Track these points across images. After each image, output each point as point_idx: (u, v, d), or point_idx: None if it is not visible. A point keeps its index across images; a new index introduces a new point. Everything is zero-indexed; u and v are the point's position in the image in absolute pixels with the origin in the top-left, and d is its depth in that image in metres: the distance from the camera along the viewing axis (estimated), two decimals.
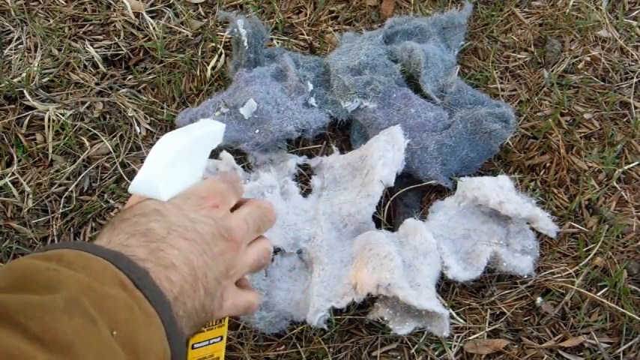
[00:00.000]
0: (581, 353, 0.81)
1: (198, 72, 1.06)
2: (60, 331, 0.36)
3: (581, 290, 0.84)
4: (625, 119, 1.01)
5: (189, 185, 0.53)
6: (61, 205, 0.93)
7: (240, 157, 0.95)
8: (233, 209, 0.54)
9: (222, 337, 0.59)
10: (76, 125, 1.00)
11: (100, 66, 1.08)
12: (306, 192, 0.94)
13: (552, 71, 1.07)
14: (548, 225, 0.86)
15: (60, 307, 0.37)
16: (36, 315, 0.36)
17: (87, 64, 1.08)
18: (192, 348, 0.56)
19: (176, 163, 0.52)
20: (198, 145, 0.56)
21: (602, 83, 1.05)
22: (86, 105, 1.03)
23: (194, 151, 0.55)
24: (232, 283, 0.52)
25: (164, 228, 0.47)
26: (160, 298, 0.43)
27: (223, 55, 1.08)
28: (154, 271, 0.44)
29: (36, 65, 1.07)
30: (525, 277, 0.85)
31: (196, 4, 1.17)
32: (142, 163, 0.52)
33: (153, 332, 0.42)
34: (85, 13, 1.15)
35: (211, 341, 0.58)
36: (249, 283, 0.57)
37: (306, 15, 1.15)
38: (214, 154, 0.94)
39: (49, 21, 1.14)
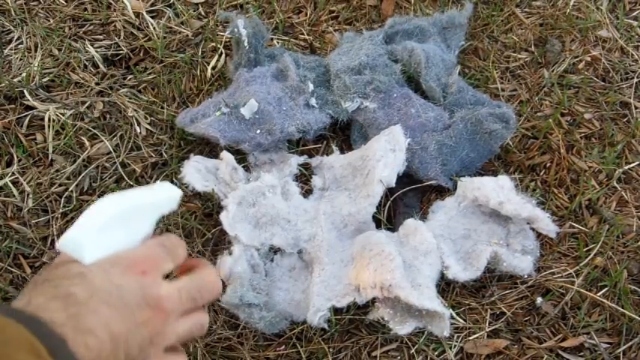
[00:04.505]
0: (581, 353, 0.81)
1: (198, 72, 1.06)
2: None
3: (582, 290, 0.84)
4: (625, 119, 1.01)
5: (122, 249, 0.51)
6: (61, 205, 0.93)
7: (241, 157, 0.94)
8: (180, 273, 0.53)
9: None
10: (76, 125, 1.00)
11: (100, 66, 1.08)
12: (306, 192, 0.94)
13: (553, 71, 1.06)
14: (548, 225, 0.86)
15: None
16: None
17: (87, 63, 1.08)
18: None
19: (111, 227, 0.51)
20: (144, 210, 0.54)
21: (603, 83, 1.05)
22: (86, 105, 1.03)
23: (137, 216, 0.54)
24: (159, 349, 0.50)
25: (86, 292, 0.46)
26: None
27: (223, 55, 1.08)
28: (72, 337, 0.43)
29: (36, 65, 1.07)
30: (525, 277, 0.85)
31: (196, 3, 1.17)
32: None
33: None
34: (85, 12, 1.15)
35: None
36: (178, 345, 0.55)
37: (306, 15, 1.15)
38: (215, 154, 0.95)
39: (49, 21, 1.14)
